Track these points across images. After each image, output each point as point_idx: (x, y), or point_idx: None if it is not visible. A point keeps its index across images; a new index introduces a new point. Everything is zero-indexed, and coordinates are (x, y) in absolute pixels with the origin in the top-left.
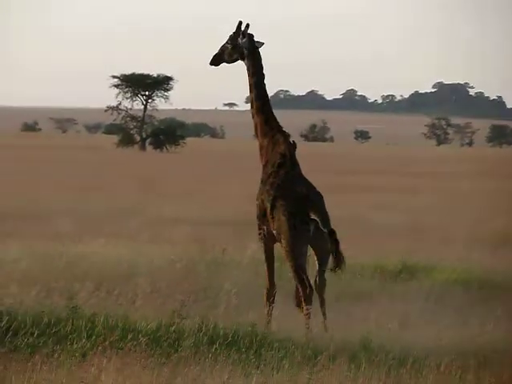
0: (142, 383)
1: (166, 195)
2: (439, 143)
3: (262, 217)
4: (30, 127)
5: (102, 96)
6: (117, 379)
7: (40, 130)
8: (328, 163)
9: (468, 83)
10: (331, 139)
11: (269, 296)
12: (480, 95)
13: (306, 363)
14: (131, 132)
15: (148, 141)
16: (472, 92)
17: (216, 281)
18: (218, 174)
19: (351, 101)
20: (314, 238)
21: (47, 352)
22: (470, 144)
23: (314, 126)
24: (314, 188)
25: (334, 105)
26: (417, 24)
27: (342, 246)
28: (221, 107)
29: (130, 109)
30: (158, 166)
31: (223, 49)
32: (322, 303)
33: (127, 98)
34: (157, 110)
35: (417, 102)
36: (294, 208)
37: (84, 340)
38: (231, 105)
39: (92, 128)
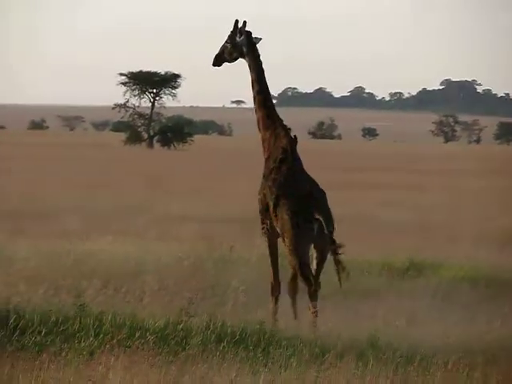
0: (150, 381)
1: (173, 192)
2: (447, 140)
3: (265, 211)
4: (38, 125)
5: (110, 94)
6: (124, 377)
7: (47, 127)
8: (336, 160)
9: (476, 80)
10: (339, 136)
11: (273, 291)
12: (488, 92)
13: (314, 361)
14: (139, 129)
15: (156, 138)
16: (480, 89)
17: (224, 278)
18: (225, 171)
19: (359, 98)
20: (317, 237)
21: (55, 350)
22: (478, 141)
23: (321, 124)
24: (317, 184)
25: (342, 102)
26: (425, 21)
27: (349, 244)
28: (228, 105)
29: (138, 106)
30: (166, 163)
31: (223, 48)
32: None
33: (135, 96)
34: (164, 107)
35: (424, 100)
36: (297, 207)
37: (92, 338)
38: (239, 102)
39: (99, 126)
